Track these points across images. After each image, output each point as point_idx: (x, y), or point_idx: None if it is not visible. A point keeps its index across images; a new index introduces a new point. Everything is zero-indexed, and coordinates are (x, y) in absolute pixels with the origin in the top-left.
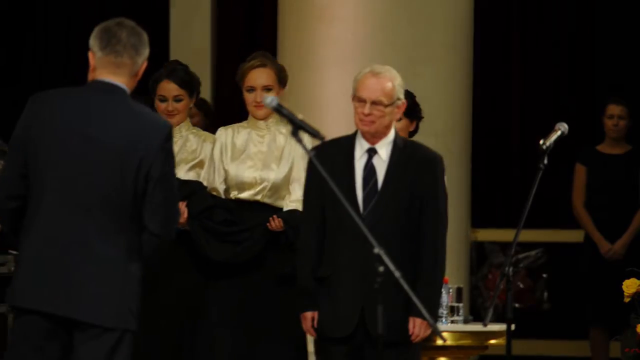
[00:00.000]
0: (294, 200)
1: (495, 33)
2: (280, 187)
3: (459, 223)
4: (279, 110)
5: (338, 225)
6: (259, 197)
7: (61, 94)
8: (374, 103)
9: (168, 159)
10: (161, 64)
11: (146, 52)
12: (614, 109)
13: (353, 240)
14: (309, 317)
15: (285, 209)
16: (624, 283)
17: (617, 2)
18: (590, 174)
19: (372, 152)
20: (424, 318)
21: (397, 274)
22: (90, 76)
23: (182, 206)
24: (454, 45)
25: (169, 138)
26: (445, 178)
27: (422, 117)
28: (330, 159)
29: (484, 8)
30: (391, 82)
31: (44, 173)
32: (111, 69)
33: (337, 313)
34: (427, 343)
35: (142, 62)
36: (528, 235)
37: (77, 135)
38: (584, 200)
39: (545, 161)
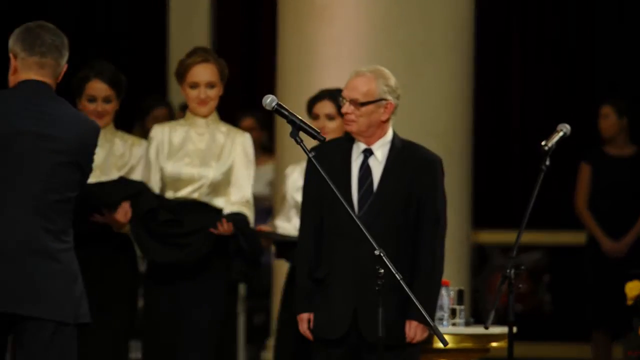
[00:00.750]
0: (235, 202)
1: (496, 33)
2: (218, 186)
3: (460, 225)
4: (279, 110)
5: (334, 227)
6: (195, 195)
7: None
8: (351, 102)
9: (92, 161)
10: (161, 64)
11: (67, 54)
12: (602, 109)
13: (347, 241)
14: (305, 319)
15: (226, 210)
16: (626, 286)
17: (618, 2)
18: (594, 174)
19: (367, 153)
20: (421, 321)
21: (398, 275)
22: (12, 79)
23: (127, 206)
24: (455, 46)
25: (98, 137)
26: (445, 180)
27: None
28: (328, 160)
29: (485, 8)
30: (372, 81)
31: None
32: (35, 70)
33: (331, 314)
34: (428, 346)
35: (64, 64)
36: (530, 237)
37: (21, 134)
38: (587, 201)
39: (548, 162)
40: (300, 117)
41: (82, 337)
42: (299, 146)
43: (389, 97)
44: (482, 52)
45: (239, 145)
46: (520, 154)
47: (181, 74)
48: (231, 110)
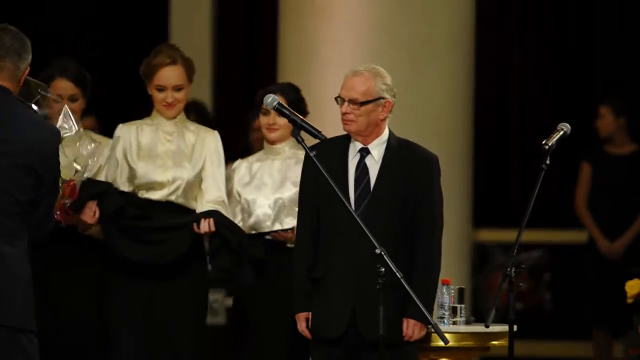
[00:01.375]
0: (210, 200)
1: (497, 33)
2: (192, 187)
3: (460, 223)
4: (280, 110)
5: (331, 226)
6: (172, 198)
7: None
8: (350, 102)
9: (58, 165)
10: None
11: (29, 58)
12: (600, 109)
13: (344, 240)
14: (303, 318)
15: (201, 209)
16: (626, 284)
17: (618, 2)
18: (594, 173)
19: (364, 152)
20: (418, 319)
21: (399, 274)
22: None
23: (93, 205)
24: (456, 45)
25: (59, 142)
26: (446, 179)
27: (308, 113)
28: (325, 160)
29: (485, 7)
30: (370, 80)
31: None
32: None
33: (329, 314)
34: (429, 344)
35: (24, 67)
36: (530, 235)
37: None
38: (587, 200)
39: (548, 161)
40: (301, 117)
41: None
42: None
43: (387, 96)
44: (483, 52)
45: (209, 143)
46: (520, 153)
47: (147, 75)
48: (232, 110)
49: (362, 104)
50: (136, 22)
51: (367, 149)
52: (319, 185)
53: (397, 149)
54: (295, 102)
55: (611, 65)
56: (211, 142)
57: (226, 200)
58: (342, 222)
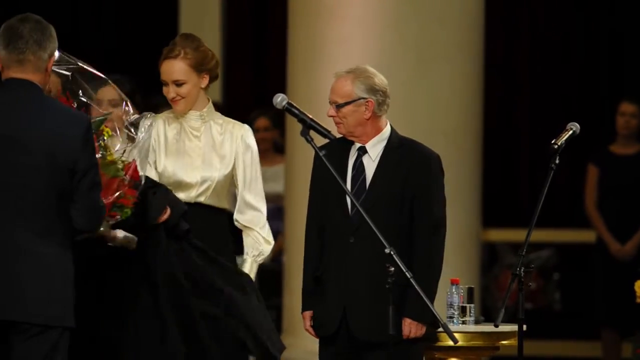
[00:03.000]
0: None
1: (505, 31)
2: (224, 186)
3: (469, 223)
4: (289, 110)
5: (329, 226)
6: (201, 199)
7: None
8: (332, 104)
9: (92, 152)
10: None
11: (52, 46)
12: (626, 107)
13: (340, 240)
14: (307, 317)
15: (237, 212)
16: (635, 284)
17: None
18: (602, 175)
19: (361, 151)
20: (415, 318)
21: (408, 274)
22: (2, 75)
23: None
24: (464, 44)
25: (89, 130)
26: (454, 178)
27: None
28: (329, 160)
29: (494, 6)
30: (348, 82)
31: None
32: (16, 67)
33: (323, 312)
34: (438, 344)
35: (48, 56)
36: (539, 235)
37: (1, 138)
38: (596, 201)
39: (557, 161)
40: (310, 116)
41: None
42: (309, 145)
43: (368, 96)
44: (492, 51)
45: (239, 139)
46: (529, 153)
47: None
48: (242, 109)
49: (340, 106)
50: (146, 23)
51: (364, 147)
52: (324, 185)
53: (396, 147)
54: (130, 94)
55: (621, 64)
56: (242, 137)
57: (259, 207)
58: (338, 221)
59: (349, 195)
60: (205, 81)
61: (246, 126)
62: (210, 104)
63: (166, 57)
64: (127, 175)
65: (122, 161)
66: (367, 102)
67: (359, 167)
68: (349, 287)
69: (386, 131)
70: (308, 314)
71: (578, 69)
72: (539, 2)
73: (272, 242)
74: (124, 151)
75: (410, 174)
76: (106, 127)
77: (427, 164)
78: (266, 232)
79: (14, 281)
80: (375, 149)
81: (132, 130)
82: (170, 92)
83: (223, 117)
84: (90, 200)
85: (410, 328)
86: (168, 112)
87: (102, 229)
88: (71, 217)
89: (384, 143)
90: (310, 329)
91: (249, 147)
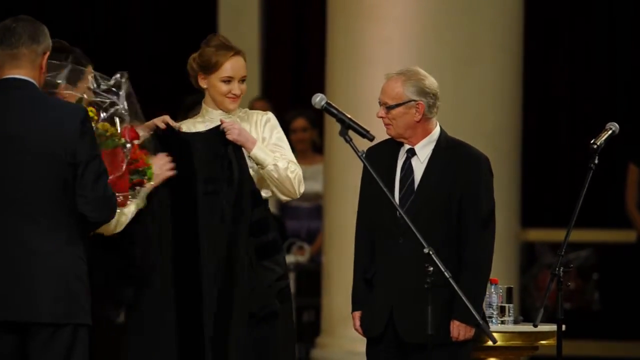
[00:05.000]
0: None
1: (544, 32)
2: (261, 177)
3: (508, 223)
4: (328, 109)
5: (378, 227)
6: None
7: None
8: (383, 106)
9: (91, 142)
10: None
11: (46, 41)
12: None
13: (389, 241)
14: (356, 317)
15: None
16: None
17: None
18: None
19: (410, 153)
20: (463, 320)
21: (447, 274)
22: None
23: None
24: (503, 45)
25: (85, 121)
26: (494, 179)
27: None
28: (377, 162)
29: (533, 7)
30: (399, 84)
31: None
32: (12, 63)
33: (371, 313)
34: (478, 344)
35: (42, 51)
36: (579, 235)
37: (1, 138)
38: (637, 201)
39: (596, 161)
40: (349, 116)
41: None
42: (347, 144)
43: (418, 98)
44: (531, 51)
45: (261, 125)
46: (569, 152)
47: (208, 68)
48: (281, 110)
49: (390, 107)
50: (184, 23)
51: (413, 149)
52: (371, 186)
53: (445, 149)
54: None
55: None
56: (262, 121)
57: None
58: (386, 222)
59: (389, 196)
60: None
61: (267, 112)
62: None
63: (231, 55)
64: (127, 138)
65: (115, 129)
66: (417, 104)
67: (408, 168)
68: (397, 288)
69: (435, 133)
70: (357, 314)
71: (618, 68)
72: (579, 2)
73: (296, 187)
74: (112, 118)
75: (459, 174)
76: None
77: (476, 164)
78: (297, 177)
79: (20, 282)
80: (424, 150)
81: (109, 94)
82: (235, 88)
83: (242, 109)
84: (98, 192)
85: (459, 330)
86: (192, 119)
87: (138, 202)
88: (82, 212)
89: (433, 145)
90: (360, 329)
91: (271, 126)
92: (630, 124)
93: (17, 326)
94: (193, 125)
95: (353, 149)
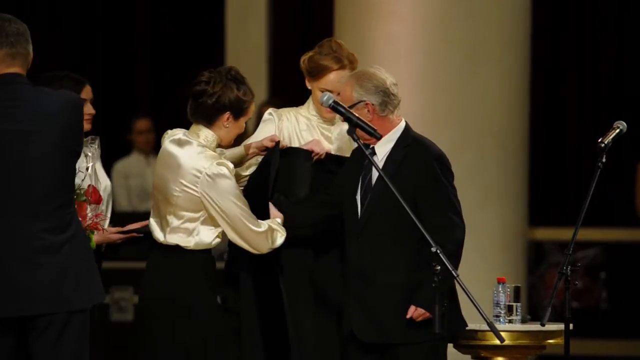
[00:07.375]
0: None
1: (552, 31)
2: None
3: (516, 222)
4: (335, 108)
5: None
6: None
7: None
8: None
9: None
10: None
11: (30, 42)
12: None
13: (349, 241)
14: None
15: None
16: None
17: None
18: None
19: (371, 151)
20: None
21: (454, 272)
22: None
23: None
24: (511, 44)
25: (82, 107)
26: (501, 177)
27: None
28: (358, 160)
29: (540, 6)
30: (348, 87)
31: None
32: (8, 61)
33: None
34: (485, 343)
35: (31, 51)
36: (586, 234)
37: (3, 133)
38: None
39: (604, 159)
40: (356, 114)
41: None
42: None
43: (366, 98)
44: (538, 50)
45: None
46: (576, 151)
47: (313, 74)
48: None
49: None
50: (191, 22)
51: (373, 148)
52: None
53: (402, 147)
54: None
55: None
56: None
57: None
58: (349, 221)
59: (403, 203)
60: None
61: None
62: None
63: (336, 69)
64: (90, 198)
65: (81, 188)
66: (366, 104)
67: (367, 167)
68: (351, 288)
69: (397, 130)
70: None
71: (625, 67)
72: (586, 1)
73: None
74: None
75: (413, 173)
76: None
77: (430, 162)
78: None
79: (14, 276)
80: (382, 149)
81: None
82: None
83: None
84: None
85: (419, 313)
86: (297, 108)
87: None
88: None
89: (392, 143)
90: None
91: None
92: (638, 122)
93: (20, 321)
94: (295, 118)
95: (361, 147)
